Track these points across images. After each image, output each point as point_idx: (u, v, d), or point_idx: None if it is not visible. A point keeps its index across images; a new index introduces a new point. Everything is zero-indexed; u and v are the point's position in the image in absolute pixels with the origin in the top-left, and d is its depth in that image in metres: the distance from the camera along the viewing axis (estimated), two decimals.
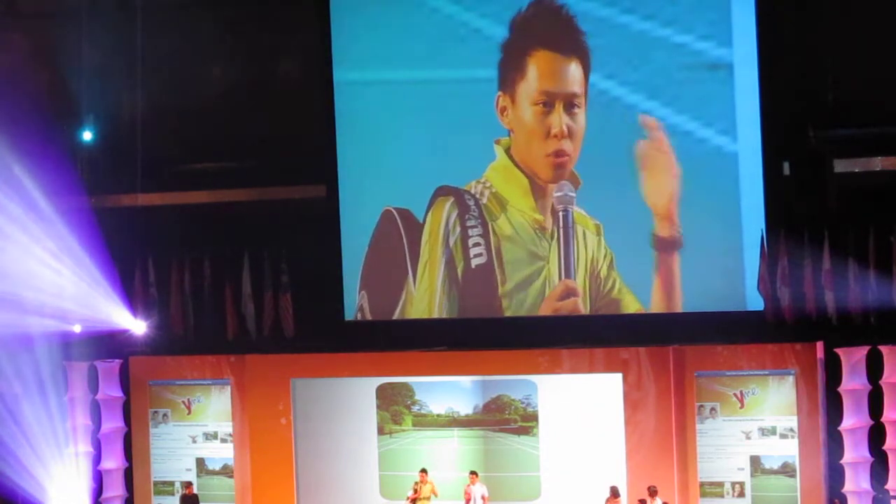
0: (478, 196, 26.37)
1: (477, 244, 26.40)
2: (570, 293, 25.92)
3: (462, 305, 26.51)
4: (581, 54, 25.58)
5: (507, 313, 26.21)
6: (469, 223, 26.42)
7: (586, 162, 25.70)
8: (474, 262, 26.43)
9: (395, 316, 26.75)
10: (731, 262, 25.03)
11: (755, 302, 24.64)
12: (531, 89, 25.91)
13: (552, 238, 25.98)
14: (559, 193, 25.88)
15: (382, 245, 26.82)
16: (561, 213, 25.92)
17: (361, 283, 26.93)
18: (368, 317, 26.90)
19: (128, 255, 27.08)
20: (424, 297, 26.68)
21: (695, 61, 25.07)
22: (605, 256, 25.73)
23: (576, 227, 25.84)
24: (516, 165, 26.10)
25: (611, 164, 25.48)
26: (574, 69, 25.67)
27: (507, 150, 26.13)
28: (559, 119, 25.70)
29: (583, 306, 25.85)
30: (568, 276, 25.90)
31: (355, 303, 27.00)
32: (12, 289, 25.37)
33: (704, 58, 25.05)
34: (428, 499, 24.70)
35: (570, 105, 25.67)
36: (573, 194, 25.81)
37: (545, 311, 26.03)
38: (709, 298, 25.18)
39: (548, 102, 25.79)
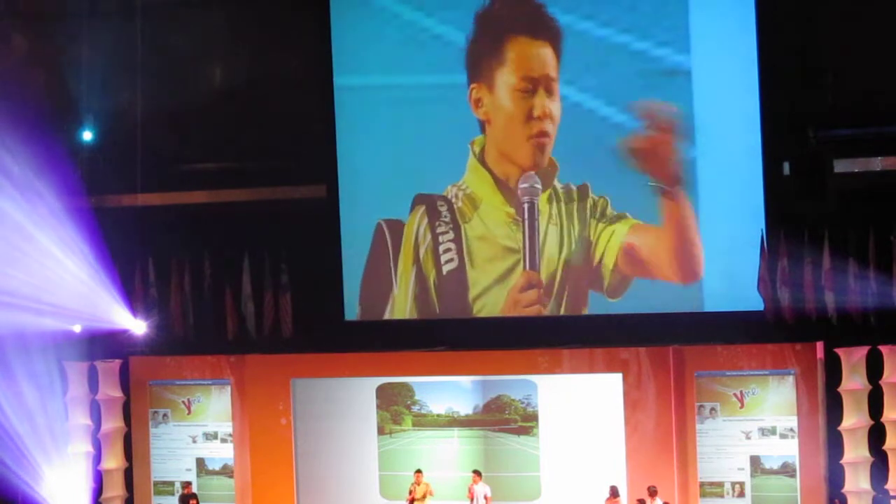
0: (452, 199, 26.43)
1: (448, 249, 26.48)
2: (531, 284, 26.00)
3: (438, 310, 26.60)
4: (553, 38, 25.69)
5: (481, 314, 26.28)
6: (439, 230, 26.50)
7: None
8: (446, 269, 26.50)
9: (385, 314, 26.84)
10: (732, 261, 25.04)
11: (755, 302, 24.63)
12: (511, 76, 25.98)
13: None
14: (525, 185, 26.00)
15: (377, 249, 26.92)
16: (526, 205, 26.00)
17: (363, 281, 27.00)
18: (362, 315, 27.02)
19: (128, 255, 27.06)
20: (402, 304, 26.79)
21: (653, 68, 25.15)
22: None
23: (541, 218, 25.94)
24: (482, 164, 26.20)
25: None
26: (549, 53, 25.78)
27: (476, 150, 26.22)
28: (542, 101, 25.82)
29: (545, 297, 25.93)
30: (533, 267, 25.97)
31: (356, 301, 27.03)
32: (12, 289, 25.36)
33: (662, 64, 25.14)
34: (423, 499, 24.72)
35: (549, 90, 25.76)
36: (539, 186, 25.91)
37: (509, 303, 26.14)
38: (709, 298, 25.21)
39: (529, 88, 25.88)
